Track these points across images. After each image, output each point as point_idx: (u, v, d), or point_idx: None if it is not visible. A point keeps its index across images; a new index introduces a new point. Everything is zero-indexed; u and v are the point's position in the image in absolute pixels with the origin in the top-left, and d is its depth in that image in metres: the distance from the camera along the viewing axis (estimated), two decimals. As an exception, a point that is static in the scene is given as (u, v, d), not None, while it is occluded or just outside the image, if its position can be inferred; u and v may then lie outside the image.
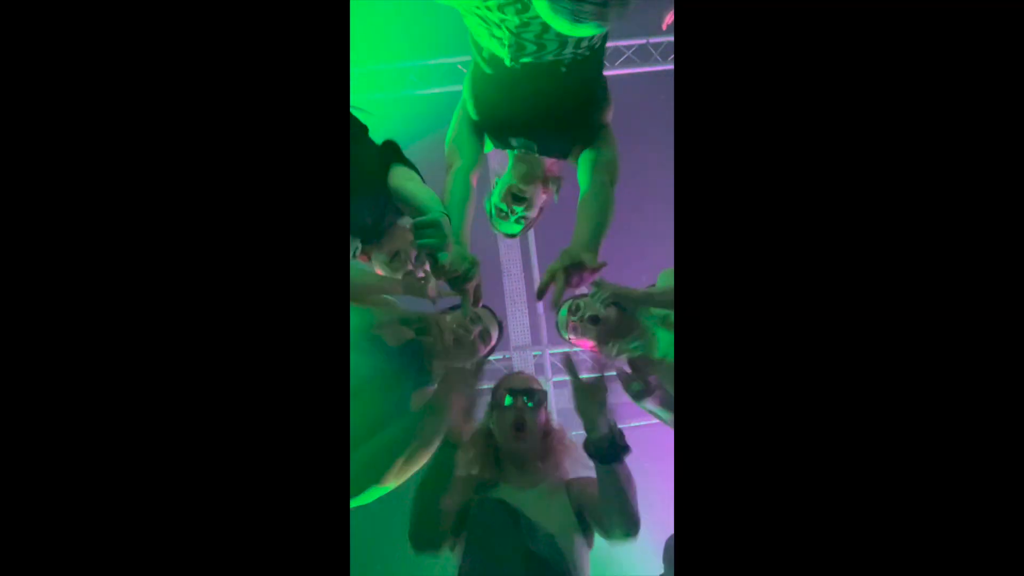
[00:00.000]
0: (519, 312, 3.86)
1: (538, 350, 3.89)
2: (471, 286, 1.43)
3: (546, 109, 1.51)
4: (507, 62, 1.40)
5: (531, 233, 3.80)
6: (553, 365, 3.90)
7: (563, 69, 1.43)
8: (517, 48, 1.37)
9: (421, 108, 3.78)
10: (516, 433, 1.57)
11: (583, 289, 1.66)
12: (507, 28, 1.32)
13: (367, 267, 1.72)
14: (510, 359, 3.92)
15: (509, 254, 3.84)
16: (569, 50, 1.38)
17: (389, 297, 1.64)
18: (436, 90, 3.81)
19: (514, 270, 3.84)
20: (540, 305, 3.82)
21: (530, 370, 3.89)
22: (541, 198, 1.73)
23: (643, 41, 3.73)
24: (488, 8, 1.30)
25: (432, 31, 3.74)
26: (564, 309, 1.76)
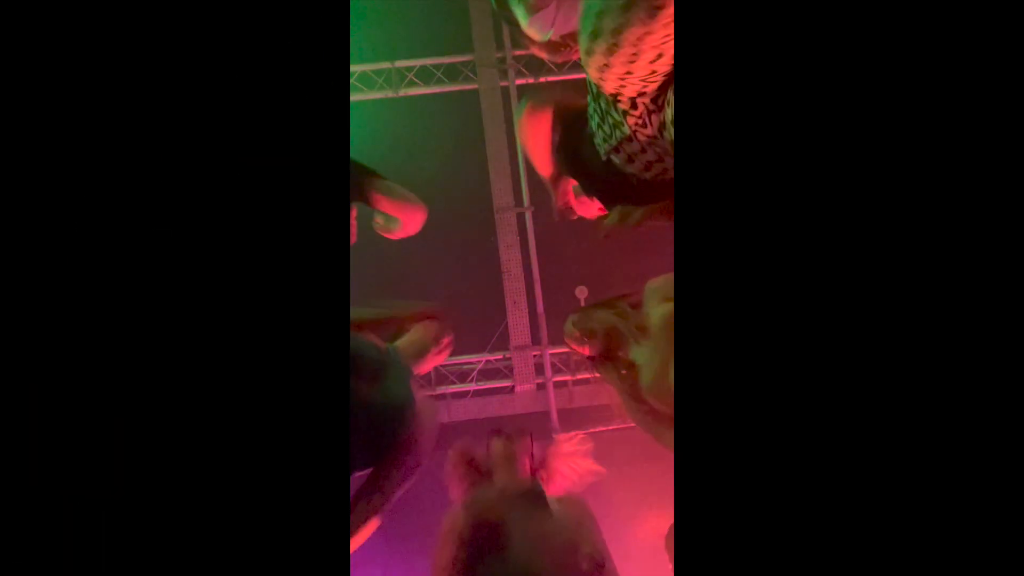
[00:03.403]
0: (519, 312, 3.86)
1: (538, 350, 3.89)
2: None
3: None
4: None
5: (531, 234, 3.82)
6: (553, 365, 3.91)
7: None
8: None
9: (421, 108, 3.78)
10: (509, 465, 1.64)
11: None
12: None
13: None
14: (510, 359, 3.92)
15: (509, 254, 3.84)
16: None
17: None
18: (435, 90, 3.82)
19: (514, 270, 3.84)
20: (540, 305, 3.82)
21: (529, 370, 3.90)
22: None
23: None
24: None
25: (432, 31, 3.74)
26: (570, 322, 1.80)
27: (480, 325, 3.83)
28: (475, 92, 3.79)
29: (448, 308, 1.89)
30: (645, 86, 1.18)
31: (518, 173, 3.76)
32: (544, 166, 1.67)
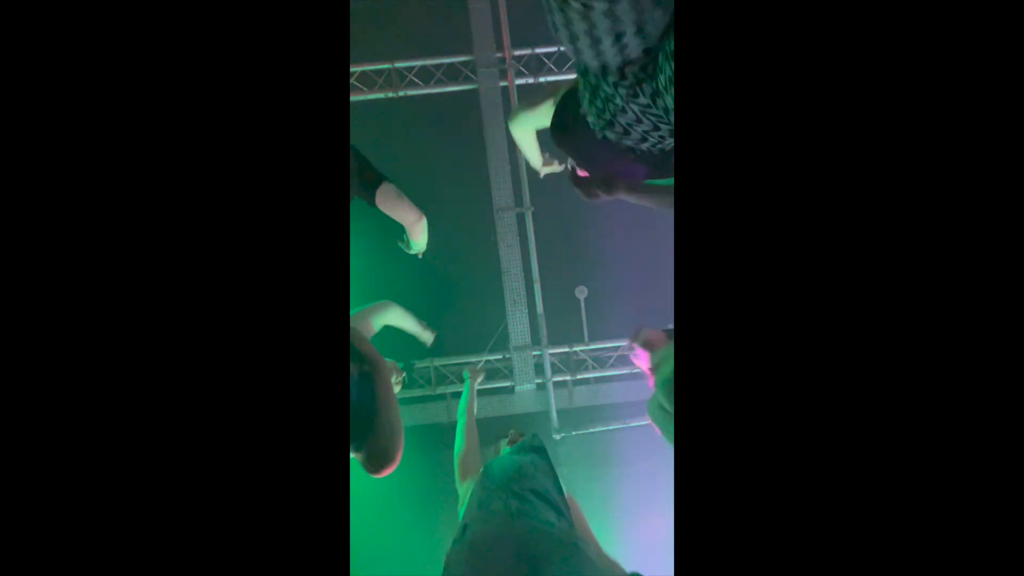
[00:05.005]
0: (519, 312, 3.86)
1: (538, 350, 3.89)
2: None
3: None
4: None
5: (531, 234, 3.81)
6: (553, 365, 3.90)
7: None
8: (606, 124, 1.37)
9: (421, 108, 3.78)
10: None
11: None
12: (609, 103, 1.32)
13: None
14: (510, 359, 3.92)
15: (509, 254, 3.84)
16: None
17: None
18: (435, 90, 3.82)
19: (514, 270, 3.84)
20: (540, 305, 3.82)
21: (529, 370, 3.90)
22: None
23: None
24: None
25: (432, 31, 3.75)
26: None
27: (480, 325, 3.84)
28: (475, 92, 3.79)
29: None
30: (628, 54, 1.16)
31: (518, 173, 3.76)
32: (534, 156, 1.72)
